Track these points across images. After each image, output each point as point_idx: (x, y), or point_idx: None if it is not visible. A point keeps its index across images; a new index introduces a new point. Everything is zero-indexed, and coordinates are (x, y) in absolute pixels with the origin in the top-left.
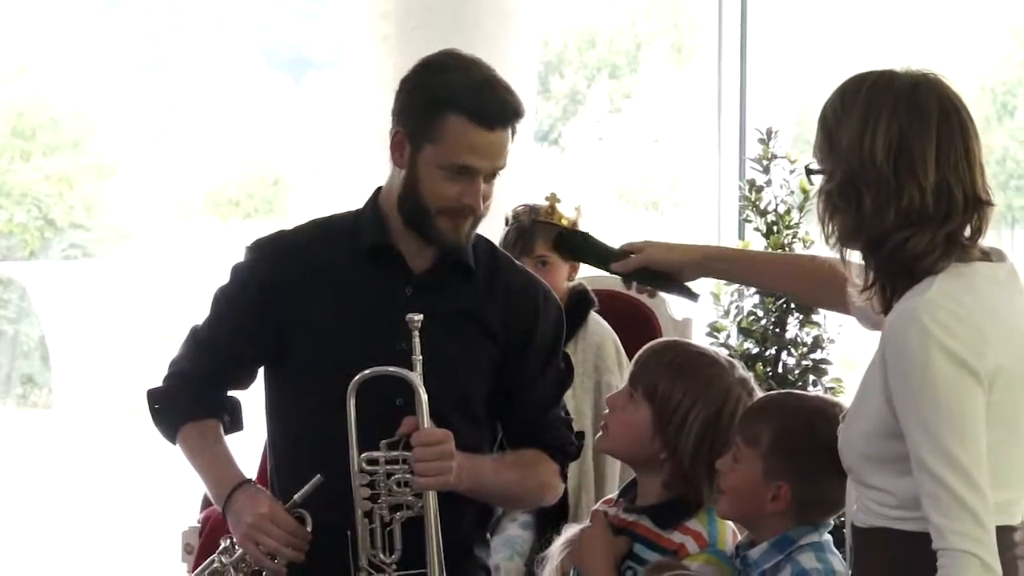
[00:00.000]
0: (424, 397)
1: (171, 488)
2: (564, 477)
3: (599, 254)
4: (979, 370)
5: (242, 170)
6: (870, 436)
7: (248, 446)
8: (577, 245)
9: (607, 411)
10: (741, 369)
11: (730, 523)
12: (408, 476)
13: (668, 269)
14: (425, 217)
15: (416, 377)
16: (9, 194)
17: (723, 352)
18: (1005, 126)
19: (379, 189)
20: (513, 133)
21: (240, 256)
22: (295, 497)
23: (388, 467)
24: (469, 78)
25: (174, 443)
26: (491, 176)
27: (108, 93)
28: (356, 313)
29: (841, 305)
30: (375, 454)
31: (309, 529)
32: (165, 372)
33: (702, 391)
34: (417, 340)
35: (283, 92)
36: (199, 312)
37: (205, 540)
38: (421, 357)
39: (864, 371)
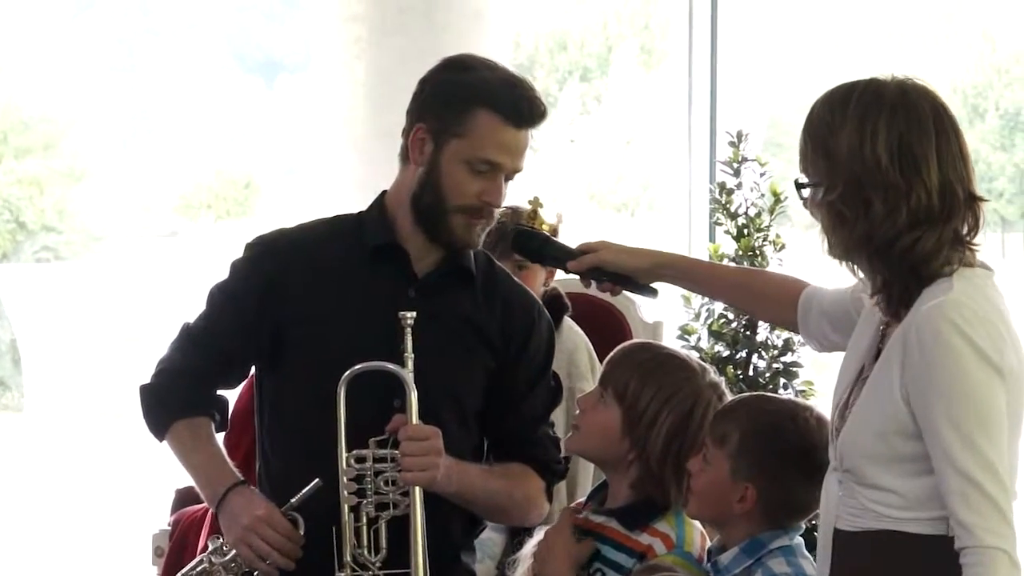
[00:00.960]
0: (414, 394)
1: (142, 490)
2: (549, 496)
3: (556, 253)
4: (1003, 368)
5: (214, 173)
6: (883, 436)
7: None
8: (534, 244)
9: (576, 412)
10: (712, 373)
11: (698, 525)
12: (396, 474)
13: (620, 271)
14: (441, 214)
15: (407, 374)
16: None
17: (694, 355)
18: (976, 129)
19: (384, 192)
20: (532, 137)
21: (222, 258)
22: (292, 500)
23: (376, 465)
24: (498, 76)
25: (162, 439)
26: (510, 176)
27: (79, 96)
28: (358, 313)
29: (791, 324)
30: (364, 452)
31: (302, 532)
32: (154, 368)
33: (672, 393)
34: (409, 338)
35: (255, 95)
36: (170, 314)
37: (175, 543)
38: (413, 355)
39: (838, 367)
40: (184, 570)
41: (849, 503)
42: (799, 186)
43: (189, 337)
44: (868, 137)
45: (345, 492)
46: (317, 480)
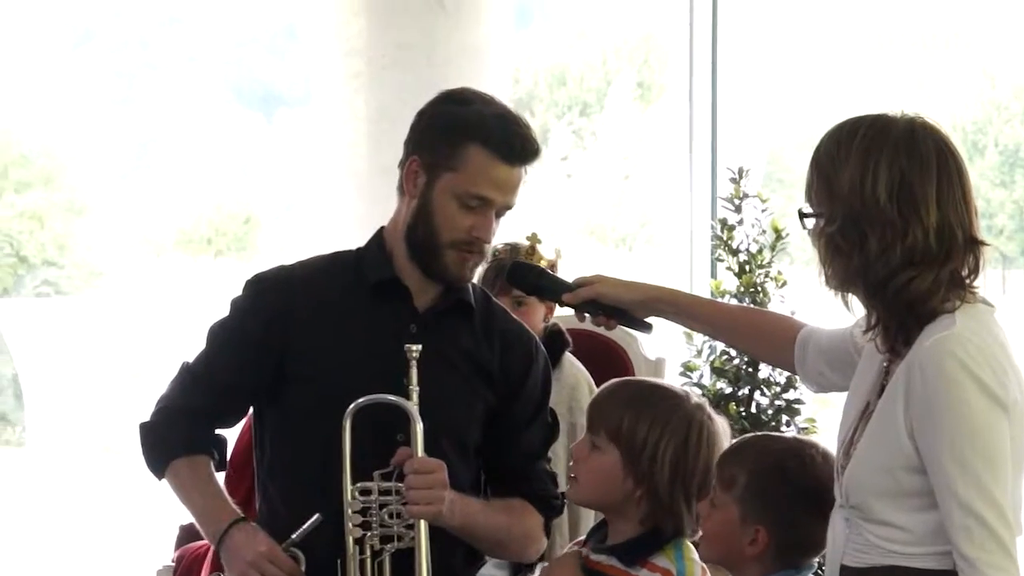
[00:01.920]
0: (420, 427)
1: (144, 526)
2: (547, 531)
3: (552, 286)
4: (1006, 403)
5: (214, 207)
6: (889, 471)
7: None
8: (530, 277)
9: (571, 462)
10: (695, 396)
11: (698, 559)
12: (401, 507)
13: (615, 304)
14: (434, 248)
15: (412, 407)
16: None
17: (696, 391)
18: (976, 165)
19: (382, 228)
20: (527, 171)
21: (222, 293)
22: (293, 536)
23: (382, 498)
24: (493, 112)
25: (161, 478)
26: (501, 212)
27: (79, 130)
28: (361, 349)
29: (787, 363)
30: (369, 484)
31: (303, 569)
32: (154, 407)
33: (666, 422)
34: (415, 371)
35: (254, 129)
36: (171, 349)
37: None
38: (418, 387)
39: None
40: None
41: (855, 539)
42: (802, 215)
43: (189, 375)
44: (870, 173)
45: (350, 524)
46: (317, 515)
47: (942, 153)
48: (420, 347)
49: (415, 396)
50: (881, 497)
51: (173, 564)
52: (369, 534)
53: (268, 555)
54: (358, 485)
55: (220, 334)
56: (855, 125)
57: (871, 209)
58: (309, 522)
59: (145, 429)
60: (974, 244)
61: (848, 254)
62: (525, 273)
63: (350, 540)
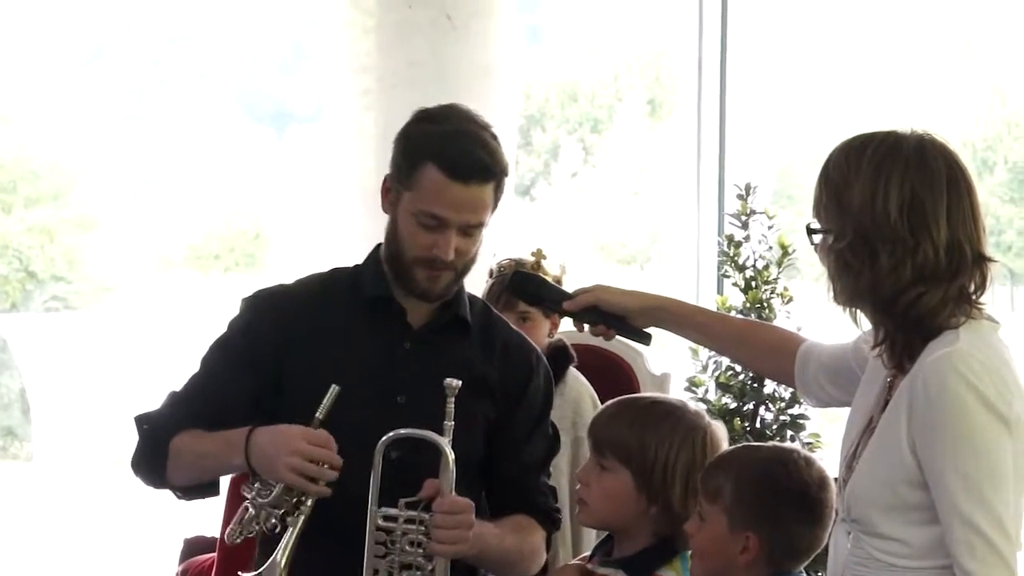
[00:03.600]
0: (452, 462)
1: (150, 540)
2: (548, 545)
3: (552, 295)
4: (1009, 419)
5: (224, 223)
6: (890, 485)
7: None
8: (531, 287)
9: (578, 486)
10: (692, 404)
11: None
12: (422, 538)
13: (616, 311)
14: (403, 266)
15: (446, 443)
16: None
17: (702, 407)
18: (985, 182)
19: (379, 245)
20: (497, 189)
21: (231, 309)
22: (317, 415)
23: (404, 526)
24: (446, 130)
25: (164, 481)
26: (468, 229)
27: (90, 145)
28: (355, 366)
29: (787, 377)
30: (392, 511)
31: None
32: (138, 429)
33: (673, 436)
34: (452, 406)
35: (265, 145)
36: (180, 364)
37: None
38: (453, 423)
39: (879, 423)
40: (231, 524)
41: (857, 553)
42: (811, 231)
43: (179, 396)
44: (880, 190)
45: (371, 555)
46: (335, 386)
47: (952, 170)
48: (460, 383)
49: (449, 433)
50: (883, 511)
51: None
52: (387, 561)
53: (303, 436)
54: (381, 511)
55: (215, 352)
56: (865, 141)
57: (882, 226)
58: (329, 394)
59: (137, 451)
60: (982, 260)
61: (858, 270)
62: (525, 283)
63: (368, 570)
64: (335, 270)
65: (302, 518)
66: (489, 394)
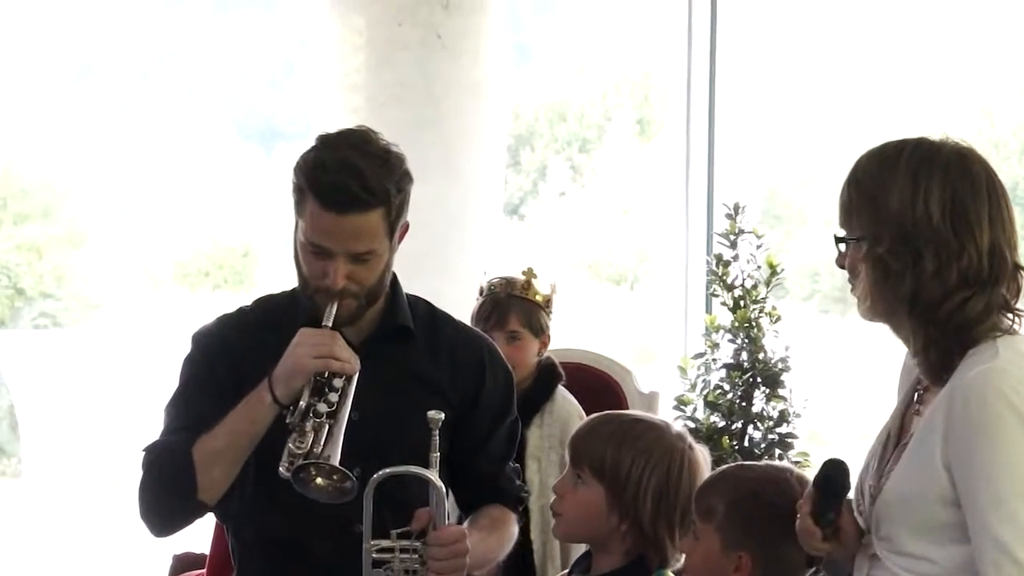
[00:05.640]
0: (442, 493)
1: (139, 557)
2: (519, 521)
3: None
4: None
5: (212, 240)
6: (922, 502)
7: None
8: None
9: (553, 498)
10: (675, 426)
11: None
12: (417, 567)
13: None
14: (307, 293)
15: (433, 474)
16: None
17: (690, 426)
18: None
19: None
20: (388, 214)
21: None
22: (324, 322)
23: (400, 555)
24: (323, 160)
25: (194, 490)
26: (358, 258)
27: (78, 162)
28: None
29: None
30: (386, 543)
31: None
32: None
33: (648, 455)
34: (436, 439)
35: (253, 163)
36: (169, 382)
37: None
38: (439, 454)
39: (912, 438)
40: (284, 458)
41: (879, 573)
42: (838, 240)
43: (171, 425)
44: (921, 192)
45: None
46: (334, 303)
47: (991, 177)
48: (443, 416)
49: (436, 463)
50: (912, 529)
51: None
52: None
53: (311, 334)
54: (374, 544)
55: (179, 395)
56: (899, 146)
57: (923, 228)
58: (331, 304)
59: (150, 488)
60: (1017, 270)
61: (900, 275)
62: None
63: None
64: (270, 296)
65: (346, 401)
66: (443, 398)
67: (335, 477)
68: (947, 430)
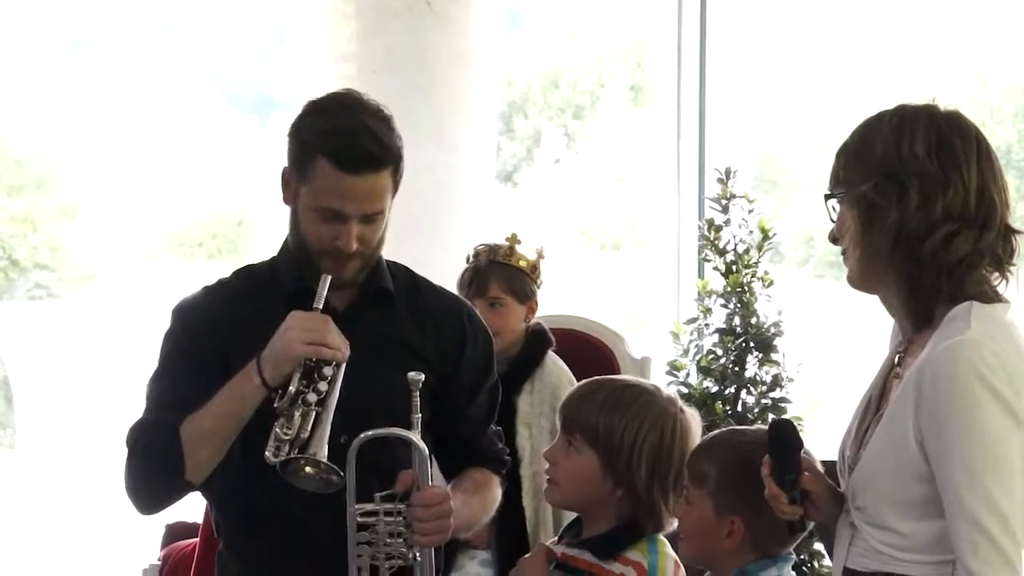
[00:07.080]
0: (425, 455)
1: (132, 527)
2: (502, 484)
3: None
4: (1018, 412)
5: (206, 211)
6: (896, 477)
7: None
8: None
9: (547, 465)
10: (666, 390)
11: (672, 553)
12: (402, 528)
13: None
14: (308, 258)
15: (415, 435)
16: None
17: (683, 391)
18: None
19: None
20: (395, 173)
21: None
22: (315, 304)
23: (384, 519)
24: (336, 123)
25: (181, 469)
26: (369, 218)
27: (72, 134)
28: None
29: None
30: (369, 506)
31: None
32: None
33: (642, 420)
34: (417, 399)
35: (247, 133)
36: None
37: None
38: (420, 415)
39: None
40: (270, 443)
41: (859, 544)
42: (827, 197)
43: (154, 404)
44: (906, 135)
45: (354, 555)
46: (327, 275)
47: (979, 133)
48: (423, 376)
49: (418, 425)
50: (887, 502)
51: (159, 563)
52: (368, 552)
53: (300, 318)
54: (359, 507)
55: (161, 371)
56: (884, 110)
57: (909, 163)
58: (322, 283)
59: (137, 466)
60: (1009, 230)
61: (885, 210)
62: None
63: (353, 567)
64: (249, 267)
65: (335, 387)
66: (425, 362)
67: (322, 467)
68: (918, 406)
